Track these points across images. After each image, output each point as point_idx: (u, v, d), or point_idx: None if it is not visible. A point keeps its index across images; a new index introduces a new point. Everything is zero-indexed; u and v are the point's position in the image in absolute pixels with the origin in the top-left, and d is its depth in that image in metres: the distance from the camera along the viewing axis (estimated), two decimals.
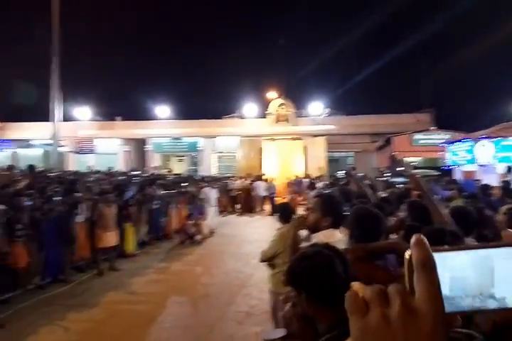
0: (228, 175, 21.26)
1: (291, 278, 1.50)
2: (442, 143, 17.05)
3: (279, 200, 15.46)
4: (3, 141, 26.17)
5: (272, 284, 3.99)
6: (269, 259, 3.99)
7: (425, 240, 0.44)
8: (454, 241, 2.02)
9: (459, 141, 14.03)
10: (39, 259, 6.15)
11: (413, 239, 0.44)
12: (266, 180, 18.00)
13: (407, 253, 0.45)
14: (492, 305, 0.44)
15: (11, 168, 9.56)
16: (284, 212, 4.25)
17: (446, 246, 0.47)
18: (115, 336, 4.63)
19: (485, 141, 12.02)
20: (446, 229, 2.18)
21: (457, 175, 13.74)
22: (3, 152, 26.03)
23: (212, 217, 11.61)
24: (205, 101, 32.92)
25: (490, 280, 0.44)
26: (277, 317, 4.00)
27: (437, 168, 17.10)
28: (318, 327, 1.43)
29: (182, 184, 12.28)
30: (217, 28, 44.31)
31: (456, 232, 2.13)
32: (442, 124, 21.30)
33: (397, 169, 14.84)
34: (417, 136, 19.91)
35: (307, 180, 17.32)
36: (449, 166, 15.17)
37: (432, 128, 20.59)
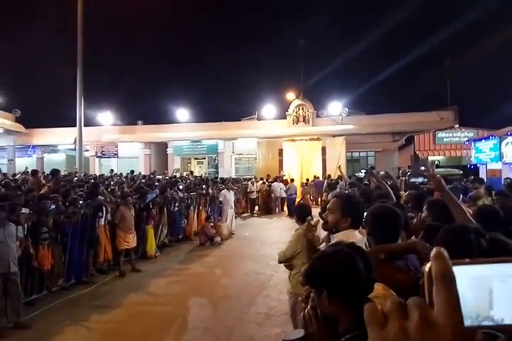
0: (247, 176, 21.27)
1: (311, 276, 1.47)
2: (467, 140, 16.64)
3: (298, 202, 15.39)
4: (29, 147, 26.98)
5: (291, 285, 3.97)
6: (287, 260, 3.96)
7: (445, 253, 0.44)
8: (477, 239, 1.95)
9: (485, 138, 13.66)
10: (63, 261, 6.29)
11: (433, 252, 0.45)
12: (286, 181, 17.95)
13: (427, 266, 0.45)
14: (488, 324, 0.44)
15: (35, 173, 9.81)
16: (300, 213, 4.22)
17: (467, 260, 0.47)
18: (137, 337, 4.70)
19: (511, 138, 11.66)
20: (470, 227, 2.12)
21: (482, 174, 13.36)
22: (29, 157, 26.84)
23: (231, 218, 11.65)
24: (224, 104, 33.23)
25: (488, 302, 0.44)
26: (297, 319, 3.97)
27: (461, 167, 16.71)
28: (339, 327, 1.41)
29: (202, 186, 12.37)
30: (237, 29, 44.53)
31: (480, 230, 2.06)
32: (466, 122, 20.84)
33: (419, 168, 14.55)
34: (441, 134, 19.48)
35: (326, 180, 17.17)
36: (473, 164, 14.77)
37: (455, 125, 20.12)
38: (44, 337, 4.64)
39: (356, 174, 17.33)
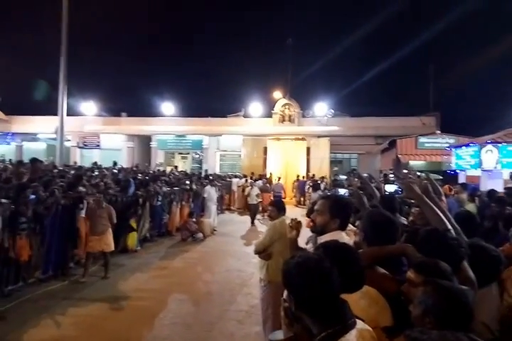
0: (231, 173, 21.21)
1: (283, 277, 1.40)
2: (448, 146, 16.98)
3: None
4: (8, 134, 26.24)
5: (267, 274, 4.09)
6: (264, 249, 4.08)
7: None
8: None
9: (465, 145, 13.95)
10: (41, 253, 6.14)
11: None
12: (270, 180, 17.95)
13: None
14: None
15: (20, 163, 9.57)
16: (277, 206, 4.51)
17: None
18: (115, 331, 4.62)
19: (490, 146, 11.95)
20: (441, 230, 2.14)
21: (461, 180, 13.66)
22: (8, 145, 26.11)
23: (213, 215, 11.60)
24: (211, 100, 33.04)
25: None
26: (267, 312, 4.07)
27: (442, 172, 17.04)
28: (311, 328, 1.39)
29: (185, 181, 12.29)
30: (225, 27, 44.29)
31: (457, 238, 2.09)
32: (448, 128, 21.24)
33: (402, 171, 14.76)
34: (423, 139, 19.83)
35: (309, 181, 17.28)
36: (453, 170, 15.09)
37: (437, 131, 20.52)
38: (18, 329, 4.52)
39: (337, 176, 17.44)
